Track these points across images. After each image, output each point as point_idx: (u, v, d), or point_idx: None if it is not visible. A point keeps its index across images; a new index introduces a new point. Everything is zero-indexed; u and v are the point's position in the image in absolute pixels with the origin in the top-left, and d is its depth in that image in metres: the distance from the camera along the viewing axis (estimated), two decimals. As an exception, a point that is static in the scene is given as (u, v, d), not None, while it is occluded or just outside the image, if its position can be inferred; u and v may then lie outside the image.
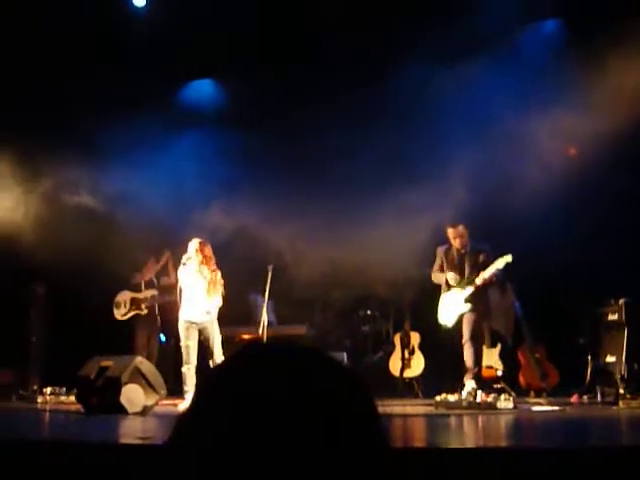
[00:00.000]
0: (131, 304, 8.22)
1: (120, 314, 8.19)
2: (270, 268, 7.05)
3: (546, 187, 6.69)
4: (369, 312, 9.01)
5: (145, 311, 8.20)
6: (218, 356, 6.65)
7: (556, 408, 5.77)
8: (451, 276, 6.67)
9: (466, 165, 6.47)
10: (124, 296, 8.26)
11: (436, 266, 6.88)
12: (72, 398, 7.30)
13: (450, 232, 6.71)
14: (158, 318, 8.29)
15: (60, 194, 7.81)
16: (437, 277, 6.87)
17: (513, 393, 6.62)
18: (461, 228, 6.64)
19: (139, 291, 8.31)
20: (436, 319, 6.91)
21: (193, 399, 0.75)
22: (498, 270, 6.48)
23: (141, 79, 8.17)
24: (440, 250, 6.87)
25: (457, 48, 6.65)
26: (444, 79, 6.71)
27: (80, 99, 7.63)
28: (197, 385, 0.84)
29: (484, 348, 7.13)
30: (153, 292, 8.28)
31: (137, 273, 8.37)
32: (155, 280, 8.47)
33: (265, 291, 7.07)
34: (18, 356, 8.21)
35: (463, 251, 6.70)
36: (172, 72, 8.78)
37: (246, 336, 8.49)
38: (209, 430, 0.69)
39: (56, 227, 7.52)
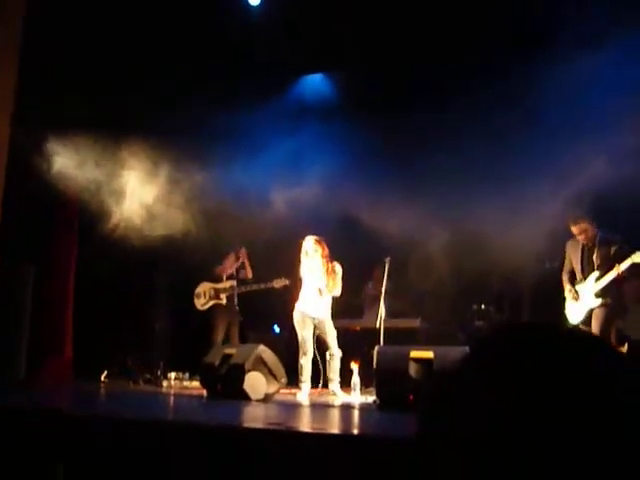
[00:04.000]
0: (210, 294, 8.55)
1: (200, 304, 8.55)
2: (387, 260, 7.03)
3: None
4: (483, 306, 8.81)
5: (224, 301, 8.52)
6: (335, 349, 6.76)
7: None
8: (567, 291, 6.52)
9: (597, 149, 6.11)
10: (204, 287, 8.61)
11: (565, 267, 6.68)
12: (195, 383, 7.65)
13: (573, 229, 6.45)
14: (237, 308, 8.56)
15: (178, 185, 8.03)
16: (564, 279, 6.67)
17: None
18: (583, 224, 6.35)
19: (220, 282, 8.64)
20: (557, 314, 6.65)
21: (465, 373, 0.75)
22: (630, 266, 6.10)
23: (260, 73, 8.40)
24: (568, 244, 6.64)
25: (595, 27, 6.29)
26: (582, 62, 6.34)
27: (203, 96, 7.90)
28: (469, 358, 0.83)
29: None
30: (232, 283, 8.58)
31: (218, 266, 8.68)
32: (235, 273, 8.73)
33: (382, 284, 7.06)
34: (143, 342, 8.69)
35: (591, 244, 6.42)
36: (289, 66, 8.94)
37: (358, 328, 8.55)
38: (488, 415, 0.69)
39: (174, 217, 7.80)
